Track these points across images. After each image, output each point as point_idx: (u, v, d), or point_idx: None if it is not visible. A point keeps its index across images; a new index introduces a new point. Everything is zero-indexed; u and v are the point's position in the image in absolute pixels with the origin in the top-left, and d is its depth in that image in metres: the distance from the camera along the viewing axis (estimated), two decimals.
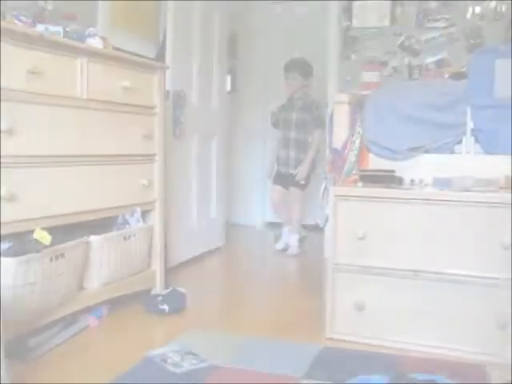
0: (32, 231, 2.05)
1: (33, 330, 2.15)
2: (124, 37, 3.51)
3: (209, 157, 4.20)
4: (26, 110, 2.12)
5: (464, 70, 3.71)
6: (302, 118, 4.29)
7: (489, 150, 2.54)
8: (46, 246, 2.06)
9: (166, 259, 3.10)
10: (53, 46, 2.25)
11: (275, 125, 4.53)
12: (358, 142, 2.63)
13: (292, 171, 4.30)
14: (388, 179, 2.42)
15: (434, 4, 3.97)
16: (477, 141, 2.57)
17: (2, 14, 2.29)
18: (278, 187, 4.40)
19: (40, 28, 2.41)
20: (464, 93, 2.58)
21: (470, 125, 2.57)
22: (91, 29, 2.82)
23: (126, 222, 2.73)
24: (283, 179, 4.37)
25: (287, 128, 4.35)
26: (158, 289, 2.95)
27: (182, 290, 2.89)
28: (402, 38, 4.08)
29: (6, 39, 2.03)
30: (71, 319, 2.43)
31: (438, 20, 3.98)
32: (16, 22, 2.30)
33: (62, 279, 2.24)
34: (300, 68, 4.34)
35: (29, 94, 2.13)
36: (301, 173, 4.26)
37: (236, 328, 2.57)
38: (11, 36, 2.05)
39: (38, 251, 2.06)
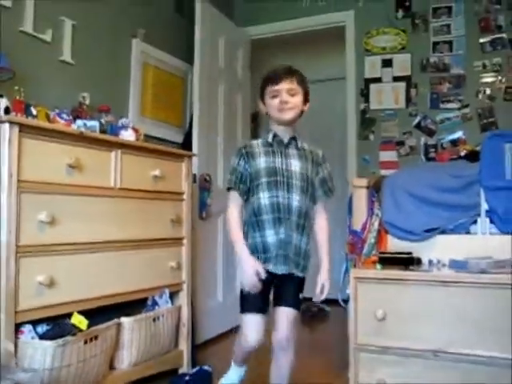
0: (69, 314, 2.17)
1: None
2: (153, 124, 3.76)
3: None
4: (66, 201, 2.30)
5: (478, 148, 3.85)
6: (308, 171, 2.24)
7: (503, 230, 2.63)
8: (81, 330, 2.18)
9: (193, 338, 3.18)
10: (90, 141, 2.45)
11: (238, 185, 2.21)
12: (376, 224, 2.76)
13: (296, 272, 2.19)
14: (406, 261, 2.52)
15: (446, 86, 4.16)
16: (491, 221, 2.68)
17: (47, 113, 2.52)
18: (258, 318, 2.17)
19: (79, 123, 2.64)
20: (476, 175, 2.71)
21: (485, 206, 2.68)
22: (124, 120, 3.05)
23: (155, 303, 2.83)
24: (266, 293, 2.19)
25: (282, 186, 2.17)
26: (185, 368, 3.02)
27: (208, 368, 2.95)
28: (418, 119, 4.26)
29: (47, 138, 2.24)
30: None
31: (451, 101, 4.16)
32: (58, 119, 2.53)
33: (96, 360, 2.34)
34: (301, 78, 2.26)
35: (68, 187, 2.32)
36: (326, 284, 2.20)
37: None
38: (53, 134, 2.26)
39: (73, 334, 2.18)
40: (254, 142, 2.29)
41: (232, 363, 2.52)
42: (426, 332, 2.31)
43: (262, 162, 2.20)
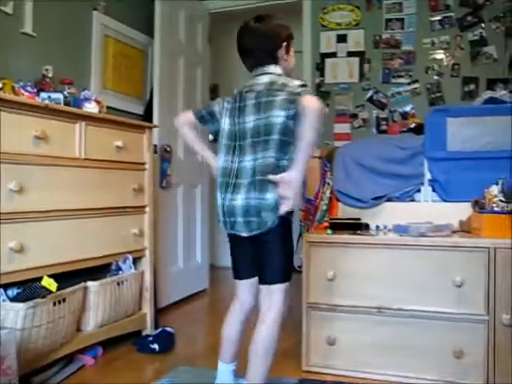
0: (39, 278, 2.30)
1: (36, 368, 2.38)
2: (114, 96, 3.84)
3: (193, 205, 4.48)
4: (33, 171, 2.40)
5: None
6: None
7: (444, 197, 2.87)
8: (51, 292, 2.31)
9: (155, 302, 3.34)
10: (56, 113, 2.54)
11: None
12: (328, 192, 2.94)
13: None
14: (355, 226, 2.72)
15: (397, 62, 4.36)
16: (433, 190, 2.90)
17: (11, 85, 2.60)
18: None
19: (43, 96, 2.72)
20: (421, 147, 2.91)
21: (428, 175, 2.90)
22: (86, 92, 3.13)
23: (119, 269, 2.97)
24: None
25: None
26: (149, 330, 3.18)
27: (170, 330, 3.12)
28: (371, 93, 4.45)
29: (15, 110, 2.32)
30: (69, 359, 2.65)
31: (402, 76, 4.37)
32: (23, 91, 2.61)
33: (64, 322, 2.47)
34: None
35: (35, 157, 2.42)
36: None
37: None
38: (20, 107, 2.35)
39: (43, 296, 2.31)
40: None
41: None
42: (371, 290, 2.53)
43: None
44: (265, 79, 2.06)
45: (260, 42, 2.11)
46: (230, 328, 2.19)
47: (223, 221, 2.07)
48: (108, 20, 3.81)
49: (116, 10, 3.91)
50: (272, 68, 2.10)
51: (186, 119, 2.21)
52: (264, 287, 2.04)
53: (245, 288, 2.16)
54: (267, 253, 2.03)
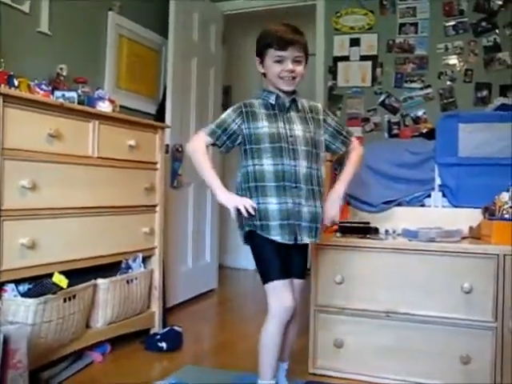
0: (50, 274, 2.33)
1: (46, 363, 2.41)
2: (127, 96, 3.87)
3: (203, 205, 4.50)
4: (47, 168, 2.44)
5: None
6: (311, 133, 2.13)
7: (454, 203, 2.87)
8: (61, 288, 2.33)
9: (163, 300, 3.36)
10: (70, 112, 2.57)
11: (222, 138, 2.11)
12: None
13: (308, 239, 2.09)
14: (364, 230, 2.72)
15: (410, 67, 4.36)
16: (444, 195, 2.91)
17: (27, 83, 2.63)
18: (286, 281, 2.06)
19: (58, 94, 2.76)
20: (432, 152, 2.92)
21: (438, 181, 2.91)
22: (100, 91, 3.16)
23: (129, 267, 3.00)
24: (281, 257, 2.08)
25: (287, 154, 2.06)
26: (157, 328, 3.21)
27: (178, 329, 3.14)
28: (383, 97, 4.45)
29: (29, 108, 2.35)
30: (78, 355, 2.67)
31: (414, 81, 4.36)
32: (38, 90, 2.64)
33: (73, 318, 2.50)
34: (306, 42, 2.12)
35: (49, 155, 2.45)
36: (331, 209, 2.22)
37: (228, 364, 2.80)
38: (35, 105, 2.38)
39: (54, 293, 2.34)
40: (254, 101, 2.14)
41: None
42: (379, 294, 2.53)
43: (264, 126, 2.08)
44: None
45: None
46: None
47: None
48: (123, 20, 3.84)
49: (131, 10, 3.94)
50: None
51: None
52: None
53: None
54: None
